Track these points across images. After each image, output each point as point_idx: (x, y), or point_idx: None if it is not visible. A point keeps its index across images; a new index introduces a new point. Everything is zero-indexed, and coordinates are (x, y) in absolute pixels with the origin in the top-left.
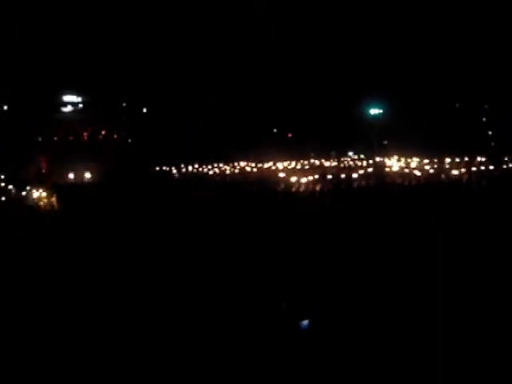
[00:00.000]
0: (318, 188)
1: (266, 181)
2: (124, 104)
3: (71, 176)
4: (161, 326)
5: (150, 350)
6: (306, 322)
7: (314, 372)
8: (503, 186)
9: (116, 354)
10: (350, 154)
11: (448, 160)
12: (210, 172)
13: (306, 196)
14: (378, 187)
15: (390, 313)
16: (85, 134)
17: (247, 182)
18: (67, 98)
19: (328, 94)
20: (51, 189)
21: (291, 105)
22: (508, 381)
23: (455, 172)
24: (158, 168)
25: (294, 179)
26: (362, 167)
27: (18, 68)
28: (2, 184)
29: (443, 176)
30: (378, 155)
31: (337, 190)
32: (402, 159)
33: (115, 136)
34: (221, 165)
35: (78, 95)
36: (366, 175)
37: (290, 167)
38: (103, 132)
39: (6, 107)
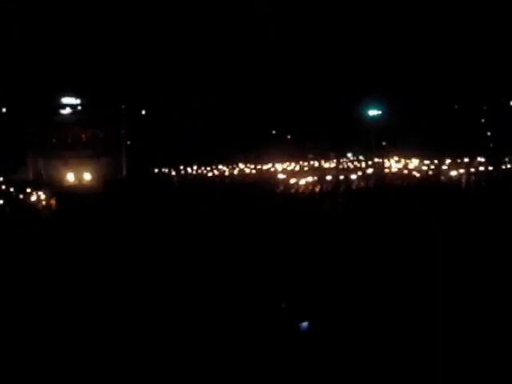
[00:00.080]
0: (317, 189)
1: (265, 182)
2: (123, 106)
3: (71, 178)
4: (160, 326)
5: (150, 350)
6: (305, 324)
7: (314, 374)
8: (502, 187)
9: (116, 354)
10: (349, 155)
11: (447, 161)
12: (209, 174)
13: (306, 197)
14: (377, 188)
15: (390, 314)
16: (84, 135)
17: (246, 183)
18: (66, 100)
19: (327, 95)
20: (51, 191)
21: (290, 106)
22: (508, 381)
23: (454, 173)
24: (157, 170)
25: (293, 181)
26: (360, 168)
27: (17, 70)
28: (3, 187)
29: (442, 177)
30: (377, 156)
31: (336, 191)
32: (401, 160)
33: (114, 138)
34: (220, 166)
35: (76, 97)
36: (365, 176)
37: (289, 168)
38: (102, 134)
39: (4, 109)
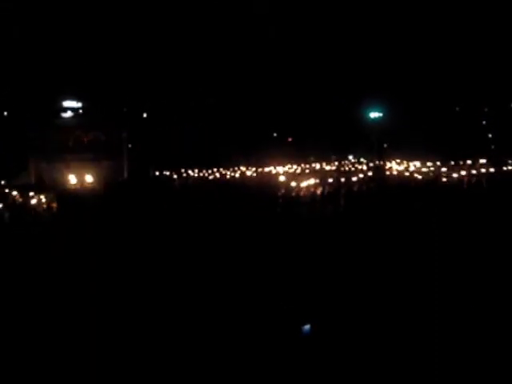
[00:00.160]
0: (318, 192)
1: (266, 185)
2: (124, 109)
3: (73, 181)
4: (161, 328)
5: (150, 352)
6: (307, 327)
7: (314, 376)
8: (504, 188)
9: (116, 354)
10: (350, 157)
11: (448, 163)
12: (211, 177)
13: (307, 200)
14: (379, 190)
15: (391, 317)
16: (85, 138)
17: (247, 185)
18: (67, 103)
19: (327, 97)
20: (53, 194)
21: (290, 108)
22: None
23: (455, 175)
24: (158, 173)
25: (294, 183)
26: (362, 171)
27: (18, 74)
28: (6, 190)
29: (444, 179)
30: (378, 158)
31: (337, 193)
32: (402, 162)
33: (116, 141)
34: (221, 169)
35: (77, 100)
36: (366, 179)
37: (290, 171)
38: (103, 137)
39: (5, 113)
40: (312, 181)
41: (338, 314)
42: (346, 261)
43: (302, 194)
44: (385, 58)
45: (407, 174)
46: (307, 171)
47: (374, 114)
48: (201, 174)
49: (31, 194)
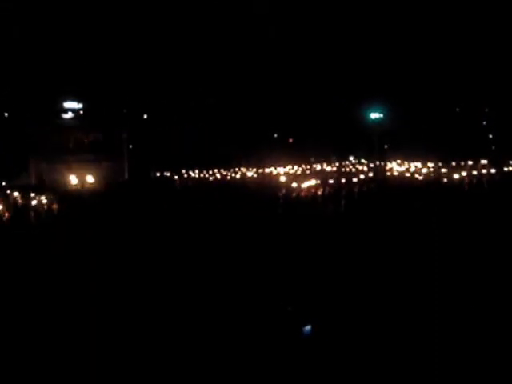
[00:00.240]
0: (319, 192)
1: (267, 185)
2: (124, 110)
3: (73, 181)
4: (161, 329)
5: (150, 354)
6: (308, 328)
7: (315, 377)
8: (505, 189)
9: (116, 354)
10: (351, 158)
11: (448, 163)
12: (211, 178)
13: (308, 200)
14: (379, 191)
15: (391, 317)
16: (85, 139)
17: (248, 186)
18: (68, 104)
19: (328, 98)
20: (54, 195)
21: (291, 109)
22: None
23: (456, 176)
24: (158, 174)
25: (295, 184)
26: (362, 172)
27: (19, 75)
28: (8, 191)
29: (445, 180)
30: (379, 159)
31: (338, 194)
32: (403, 163)
33: (116, 141)
34: (221, 170)
35: (78, 102)
36: (366, 179)
37: (291, 172)
38: (104, 138)
39: (6, 114)
40: (313, 182)
41: (338, 314)
42: (347, 261)
43: (302, 194)
44: (385, 59)
45: (408, 174)
46: (308, 172)
47: (374, 115)
48: (201, 175)
49: (32, 194)
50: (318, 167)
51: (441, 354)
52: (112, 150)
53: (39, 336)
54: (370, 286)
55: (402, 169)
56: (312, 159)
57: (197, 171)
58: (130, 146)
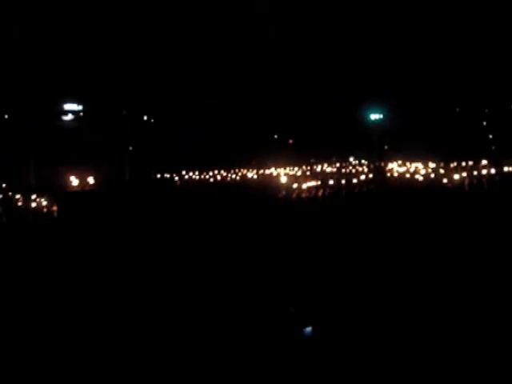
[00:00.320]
0: (319, 193)
1: (267, 187)
2: (124, 112)
3: (74, 183)
4: (162, 330)
5: (151, 356)
6: (309, 329)
7: (315, 377)
8: (505, 189)
9: (116, 354)
10: (351, 159)
11: (449, 164)
12: (211, 179)
13: (308, 201)
14: (379, 191)
15: (391, 317)
16: (86, 141)
17: (248, 187)
18: (68, 106)
19: (328, 99)
20: (55, 196)
21: (291, 110)
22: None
23: (456, 176)
24: (159, 175)
25: (295, 185)
26: (363, 172)
27: (20, 77)
28: (10, 193)
29: (445, 180)
30: (379, 160)
31: (338, 194)
32: (403, 164)
33: (117, 143)
34: (222, 171)
35: (78, 103)
36: (367, 180)
37: (291, 173)
38: (104, 139)
39: (6, 116)
40: (313, 182)
41: (339, 315)
42: (347, 262)
43: (303, 195)
44: (385, 59)
45: (408, 175)
46: (308, 173)
47: (374, 116)
48: (202, 176)
49: (33, 196)
50: (319, 168)
51: (441, 353)
52: (112, 152)
53: (39, 336)
54: (370, 286)
55: (402, 169)
56: (312, 160)
57: (197, 172)
58: (131, 148)
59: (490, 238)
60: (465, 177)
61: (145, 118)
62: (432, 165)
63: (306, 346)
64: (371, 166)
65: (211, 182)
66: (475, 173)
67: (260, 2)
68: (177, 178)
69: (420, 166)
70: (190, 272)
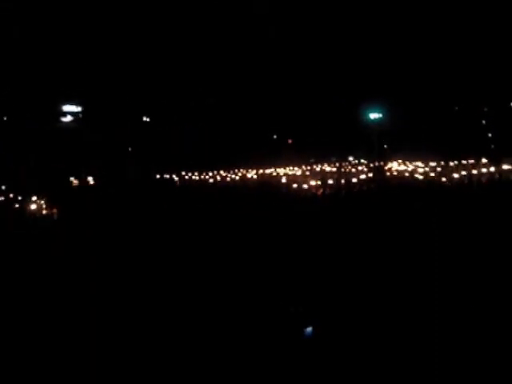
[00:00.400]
0: (319, 193)
1: (267, 186)
2: (124, 113)
3: (75, 184)
4: (162, 330)
5: (151, 356)
6: (309, 329)
7: (316, 377)
8: (504, 188)
9: (116, 355)
10: (351, 158)
11: (448, 163)
12: (211, 180)
13: (308, 200)
14: (379, 191)
15: (392, 318)
16: (85, 142)
17: (248, 187)
18: (67, 107)
19: (328, 99)
20: (55, 197)
21: (291, 110)
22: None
23: (456, 175)
24: (159, 176)
25: (295, 185)
26: (362, 172)
27: (19, 79)
28: (11, 195)
29: (444, 179)
30: (379, 159)
31: (338, 194)
32: (402, 163)
33: (116, 144)
34: (221, 172)
35: (77, 105)
36: (366, 180)
37: (290, 173)
38: (104, 140)
39: (5, 118)
40: (313, 182)
41: (339, 315)
42: (347, 261)
43: (302, 195)
44: (384, 58)
45: (407, 174)
46: (308, 173)
47: (373, 115)
48: (202, 177)
49: (33, 198)
50: (318, 168)
51: (440, 353)
52: (112, 152)
53: (38, 336)
54: (370, 286)
55: (402, 168)
56: (312, 160)
57: (197, 173)
58: (130, 149)
59: (490, 238)
60: (464, 176)
61: (145, 118)
62: (432, 164)
63: (306, 346)
64: (371, 166)
65: (211, 182)
66: (475, 172)
67: (260, 1)
68: (177, 179)
69: (420, 165)
70: (190, 272)
